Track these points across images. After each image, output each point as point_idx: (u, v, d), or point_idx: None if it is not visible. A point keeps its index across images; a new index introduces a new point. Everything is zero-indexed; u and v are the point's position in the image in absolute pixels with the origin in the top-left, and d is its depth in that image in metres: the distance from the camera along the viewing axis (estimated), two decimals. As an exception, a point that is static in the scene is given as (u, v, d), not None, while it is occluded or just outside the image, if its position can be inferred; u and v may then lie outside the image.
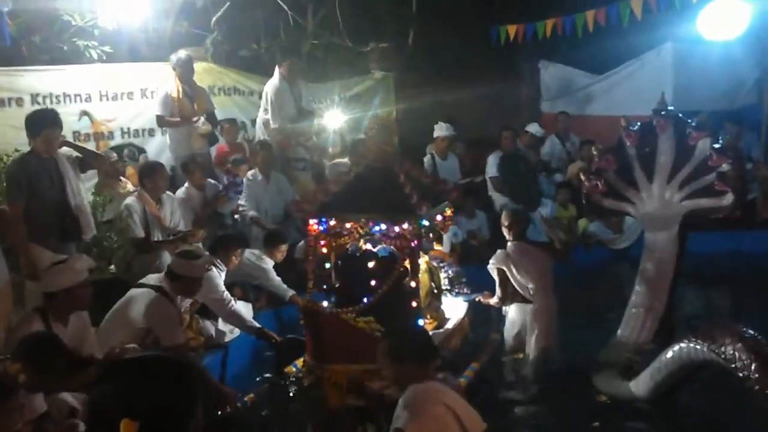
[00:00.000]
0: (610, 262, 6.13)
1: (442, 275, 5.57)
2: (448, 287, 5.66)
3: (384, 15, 10.63)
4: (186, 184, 7.11)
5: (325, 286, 4.94)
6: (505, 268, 5.49)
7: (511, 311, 5.73)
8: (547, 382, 5.36)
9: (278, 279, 6.33)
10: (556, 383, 5.31)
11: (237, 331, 5.65)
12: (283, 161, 8.31)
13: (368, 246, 4.93)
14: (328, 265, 4.95)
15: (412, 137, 9.42)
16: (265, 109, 8.34)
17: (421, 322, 4.72)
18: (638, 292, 5.50)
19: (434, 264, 5.48)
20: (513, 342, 5.77)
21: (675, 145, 5.30)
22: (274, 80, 8.32)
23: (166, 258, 5.63)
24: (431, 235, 5.28)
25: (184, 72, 7.70)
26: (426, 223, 4.70)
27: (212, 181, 7.28)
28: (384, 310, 4.50)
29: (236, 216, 7.41)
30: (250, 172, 7.69)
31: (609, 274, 5.93)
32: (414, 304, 4.66)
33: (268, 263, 6.29)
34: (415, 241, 4.57)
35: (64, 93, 7.59)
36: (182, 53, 7.82)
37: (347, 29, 9.87)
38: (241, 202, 7.53)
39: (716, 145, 5.23)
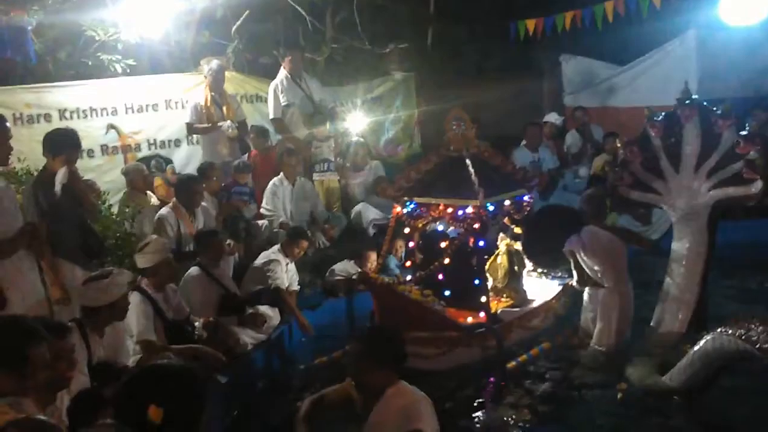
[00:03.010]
0: (640, 255, 6.06)
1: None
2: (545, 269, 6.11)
3: (402, 16, 10.64)
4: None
5: (408, 263, 6.10)
6: (575, 251, 5.47)
7: (585, 295, 5.74)
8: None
9: (283, 276, 6.29)
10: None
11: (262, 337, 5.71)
12: (308, 166, 8.37)
13: (440, 227, 5.70)
14: (411, 244, 5.98)
15: (434, 138, 9.42)
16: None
17: (483, 298, 5.37)
18: (669, 283, 5.44)
19: (517, 247, 6.00)
20: (585, 326, 5.73)
21: (701, 134, 5.24)
22: (279, 76, 8.44)
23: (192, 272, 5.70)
24: (506, 219, 5.91)
25: (215, 80, 7.93)
26: (491, 207, 5.34)
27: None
28: (451, 286, 5.45)
29: (264, 222, 7.46)
30: (275, 179, 7.75)
31: (639, 266, 5.86)
32: (477, 281, 5.38)
33: (281, 258, 6.33)
34: (478, 224, 5.24)
35: (90, 107, 7.73)
36: (214, 62, 8.01)
37: (366, 32, 9.91)
38: (268, 207, 7.60)
39: (743, 133, 5.16)
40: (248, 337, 5.52)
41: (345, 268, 6.90)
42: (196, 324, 5.13)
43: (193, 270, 5.63)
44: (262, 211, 7.65)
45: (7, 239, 4.20)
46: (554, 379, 5.24)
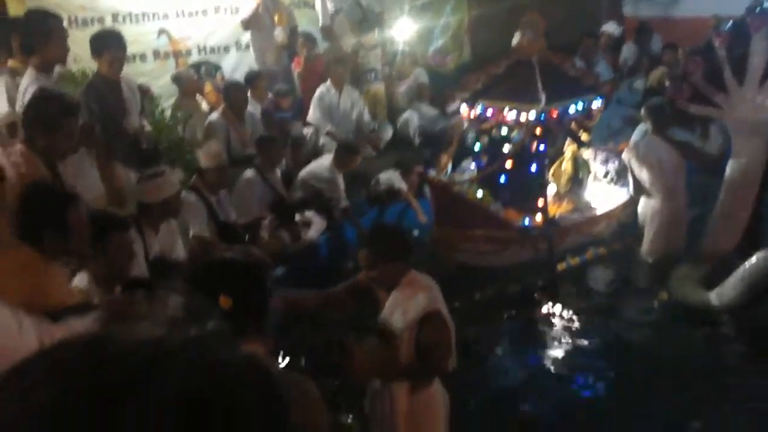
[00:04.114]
0: (694, 172, 5.91)
1: (608, 166, 6.08)
2: (614, 177, 6.16)
3: None
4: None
5: (474, 164, 6.22)
6: (629, 160, 5.44)
7: (640, 205, 5.79)
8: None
9: (342, 188, 6.41)
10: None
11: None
12: (355, 74, 8.28)
13: (504, 131, 5.82)
14: (478, 146, 6.17)
15: (485, 48, 9.15)
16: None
17: (540, 201, 5.55)
18: (723, 200, 5.32)
19: (584, 155, 6.11)
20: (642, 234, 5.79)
21: (770, 44, 4.97)
22: None
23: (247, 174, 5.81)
24: (574, 125, 5.97)
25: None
26: (555, 113, 5.36)
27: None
28: (511, 188, 5.67)
29: (307, 130, 7.47)
30: (322, 86, 7.70)
31: (692, 183, 5.75)
32: (536, 185, 5.58)
33: (336, 173, 6.38)
34: (539, 129, 5.39)
35: (142, 12, 7.70)
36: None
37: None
38: (316, 115, 7.59)
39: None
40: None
41: (389, 178, 6.91)
42: (264, 223, 5.29)
43: (249, 172, 5.74)
44: (308, 119, 7.66)
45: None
46: (599, 284, 5.40)
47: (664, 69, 8.56)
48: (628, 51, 9.72)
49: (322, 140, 7.44)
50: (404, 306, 2.90)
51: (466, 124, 6.21)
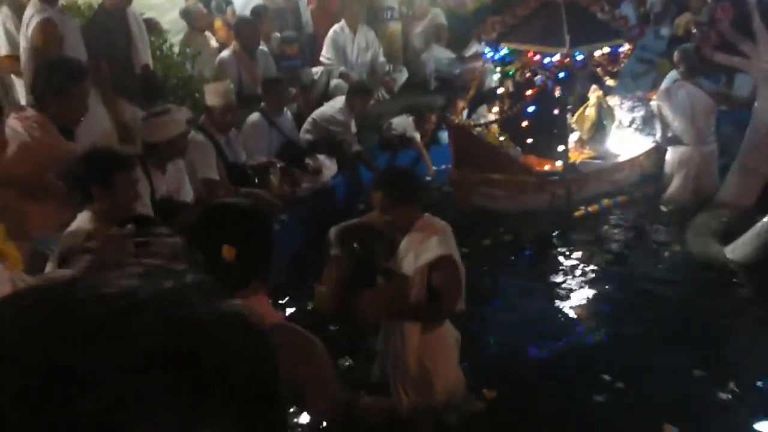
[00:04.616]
0: (720, 124, 5.78)
1: (634, 113, 6.03)
2: (639, 125, 6.08)
3: None
4: None
5: (495, 109, 6.19)
6: (659, 106, 5.35)
7: (668, 153, 5.71)
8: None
9: (354, 131, 6.28)
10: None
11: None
12: (370, 12, 8.02)
13: (528, 74, 5.74)
14: (500, 90, 6.10)
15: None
16: None
17: (560, 147, 5.53)
18: (745, 154, 5.18)
19: (609, 102, 6.04)
20: (666, 183, 5.75)
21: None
22: None
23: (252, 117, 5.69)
24: (600, 70, 5.85)
25: None
26: (580, 57, 5.37)
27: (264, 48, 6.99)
28: (532, 133, 5.65)
29: (317, 69, 7.28)
30: (336, 26, 7.48)
31: (718, 134, 5.64)
32: (556, 129, 5.56)
33: (348, 116, 6.25)
34: (562, 73, 5.37)
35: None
36: None
37: None
38: (328, 55, 7.40)
39: None
40: (306, 183, 5.61)
41: (402, 123, 6.78)
42: (274, 167, 5.23)
43: (255, 116, 5.62)
44: (321, 59, 7.46)
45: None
46: (615, 233, 5.41)
47: (691, 15, 8.26)
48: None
49: (334, 81, 7.26)
50: (417, 249, 2.93)
51: (487, 67, 6.08)
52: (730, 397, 3.49)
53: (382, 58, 7.76)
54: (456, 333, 3.15)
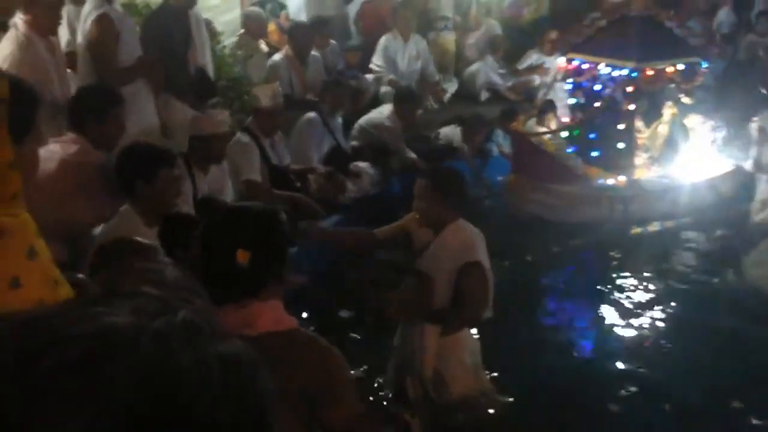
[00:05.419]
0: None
1: (715, 133, 5.94)
2: (718, 146, 5.99)
3: None
4: None
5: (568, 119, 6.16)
6: (763, 128, 5.14)
7: (763, 181, 5.28)
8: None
9: (404, 143, 6.21)
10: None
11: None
12: (423, 21, 7.97)
13: (598, 86, 5.74)
14: (571, 101, 6.13)
15: (564, 1, 8.68)
16: None
17: (625, 162, 5.50)
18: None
19: (685, 120, 5.87)
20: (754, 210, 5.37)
21: None
22: None
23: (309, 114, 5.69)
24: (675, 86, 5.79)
25: None
26: (650, 72, 5.32)
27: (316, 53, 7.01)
28: (598, 146, 5.65)
29: (369, 76, 7.25)
30: (388, 34, 7.45)
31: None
32: (622, 144, 5.58)
33: (396, 122, 6.18)
34: (631, 87, 5.37)
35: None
36: None
37: None
38: (379, 63, 7.37)
39: None
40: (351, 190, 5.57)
41: (449, 133, 6.67)
42: (319, 170, 5.22)
43: (311, 114, 5.62)
44: (371, 66, 7.44)
45: (125, 68, 4.29)
46: (672, 254, 5.23)
47: (755, 38, 7.95)
48: (724, 16, 9.07)
49: (383, 89, 7.23)
50: (446, 251, 2.97)
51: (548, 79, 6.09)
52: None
53: (432, 67, 7.69)
54: (473, 340, 3.19)
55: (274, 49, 6.95)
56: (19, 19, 3.71)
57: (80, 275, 2.05)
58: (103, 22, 4.29)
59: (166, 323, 0.52)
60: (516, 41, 8.40)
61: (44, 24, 3.78)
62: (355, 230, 3.63)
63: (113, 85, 3.86)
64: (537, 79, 7.77)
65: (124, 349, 0.49)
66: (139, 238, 2.27)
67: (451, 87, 7.82)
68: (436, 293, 2.97)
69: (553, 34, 7.83)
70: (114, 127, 3.49)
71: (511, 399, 3.42)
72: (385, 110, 6.29)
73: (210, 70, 5.31)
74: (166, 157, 3.12)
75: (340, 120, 5.95)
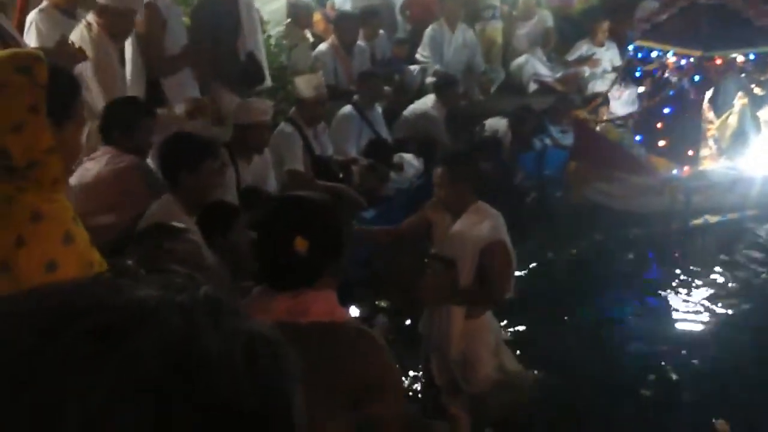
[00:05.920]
0: None
1: None
2: None
3: None
4: None
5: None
6: None
7: None
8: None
9: (446, 134, 6.13)
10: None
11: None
12: (470, 11, 7.82)
13: (667, 75, 5.54)
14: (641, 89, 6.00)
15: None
16: None
17: (691, 152, 5.32)
18: None
19: (758, 112, 5.66)
20: None
21: None
22: None
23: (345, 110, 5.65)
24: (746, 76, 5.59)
25: None
26: (719, 61, 5.17)
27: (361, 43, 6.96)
28: (665, 135, 5.44)
29: (415, 66, 7.17)
30: (435, 24, 7.35)
31: None
32: (687, 134, 5.39)
33: (441, 111, 6.09)
34: (698, 75, 5.22)
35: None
36: None
37: None
38: (425, 53, 7.28)
39: None
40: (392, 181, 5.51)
41: (494, 125, 6.55)
42: (362, 161, 5.16)
43: (347, 108, 5.57)
44: (417, 56, 7.34)
45: (171, 56, 4.31)
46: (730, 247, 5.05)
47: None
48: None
49: (429, 80, 7.14)
50: (468, 233, 3.01)
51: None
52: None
53: (479, 58, 7.55)
54: (495, 321, 3.30)
55: (319, 39, 6.92)
56: (93, 20, 3.75)
57: (129, 261, 2.05)
58: (150, 10, 4.31)
59: (189, 297, 0.54)
60: (565, 31, 8.19)
61: (115, 29, 3.80)
62: (384, 227, 3.72)
63: (160, 75, 3.86)
64: (587, 71, 7.58)
65: (148, 321, 0.50)
66: (174, 222, 2.28)
67: (498, 78, 7.67)
68: (461, 276, 3.01)
69: (605, 25, 7.61)
70: (145, 137, 3.47)
71: (539, 374, 3.49)
72: (429, 100, 6.23)
73: (262, 58, 5.31)
74: (210, 148, 3.11)
75: (379, 110, 5.90)
